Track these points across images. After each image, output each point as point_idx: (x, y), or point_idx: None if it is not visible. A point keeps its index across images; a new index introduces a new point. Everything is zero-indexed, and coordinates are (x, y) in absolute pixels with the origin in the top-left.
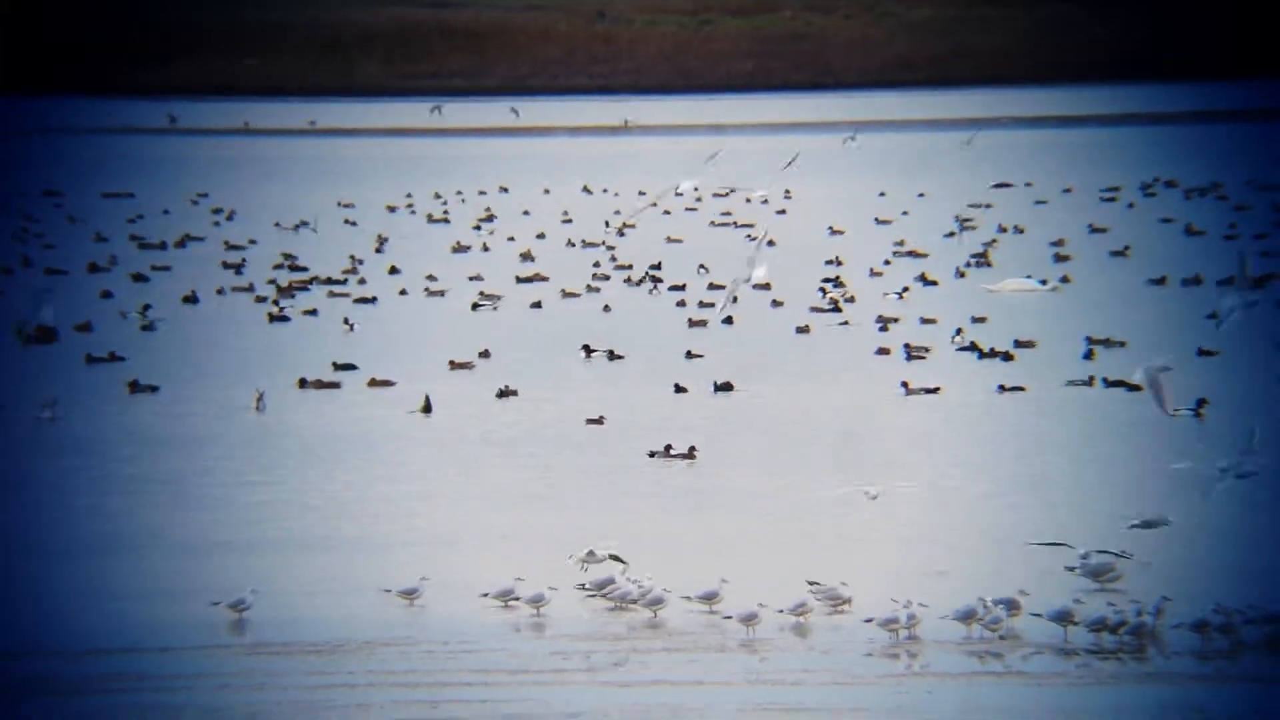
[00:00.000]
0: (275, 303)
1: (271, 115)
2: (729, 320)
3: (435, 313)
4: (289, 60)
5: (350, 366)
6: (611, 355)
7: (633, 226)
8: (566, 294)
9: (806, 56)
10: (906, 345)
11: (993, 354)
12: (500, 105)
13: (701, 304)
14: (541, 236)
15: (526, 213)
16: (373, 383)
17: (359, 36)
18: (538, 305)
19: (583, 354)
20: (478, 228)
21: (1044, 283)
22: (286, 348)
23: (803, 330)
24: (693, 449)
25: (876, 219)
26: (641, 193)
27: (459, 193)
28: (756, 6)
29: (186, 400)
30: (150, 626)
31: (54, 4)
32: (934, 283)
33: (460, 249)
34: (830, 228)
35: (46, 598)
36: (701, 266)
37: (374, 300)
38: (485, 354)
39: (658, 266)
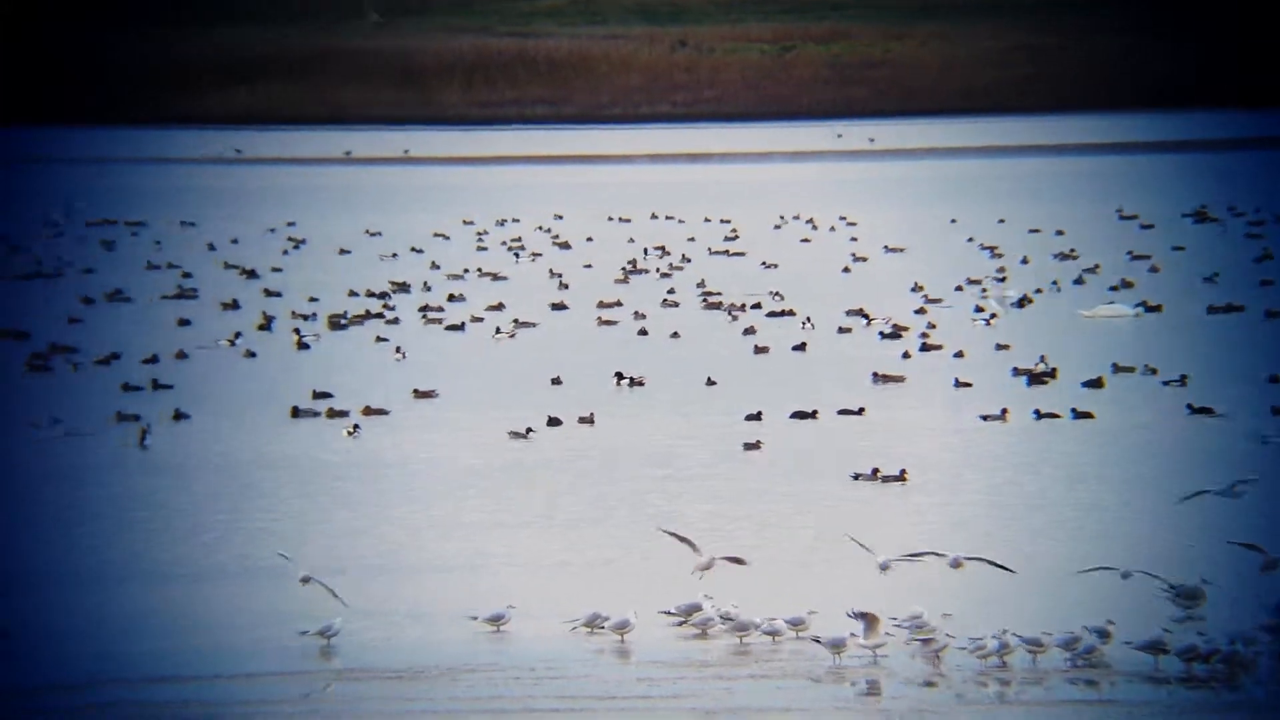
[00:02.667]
0: (297, 332)
1: (365, 143)
2: (801, 347)
3: (490, 340)
4: (370, 89)
5: (327, 394)
6: (633, 382)
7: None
8: (602, 321)
9: (887, 83)
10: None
11: (1040, 380)
12: (582, 134)
13: (749, 331)
14: (633, 265)
15: (589, 239)
16: (367, 411)
17: (440, 65)
18: (625, 331)
19: (615, 381)
20: (528, 255)
21: (1137, 308)
22: (352, 373)
23: (907, 357)
24: (904, 472)
25: (911, 245)
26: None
27: (513, 220)
28: (836, 34)
29: (249, 428)
30: (238, 652)
31: (134, 34)
32: (1023, 304)
33: (497, 277)
34: (851, 256)
35: (134, 625)
36: (776, 294)
37: (462, 328)
38: (558, 381)
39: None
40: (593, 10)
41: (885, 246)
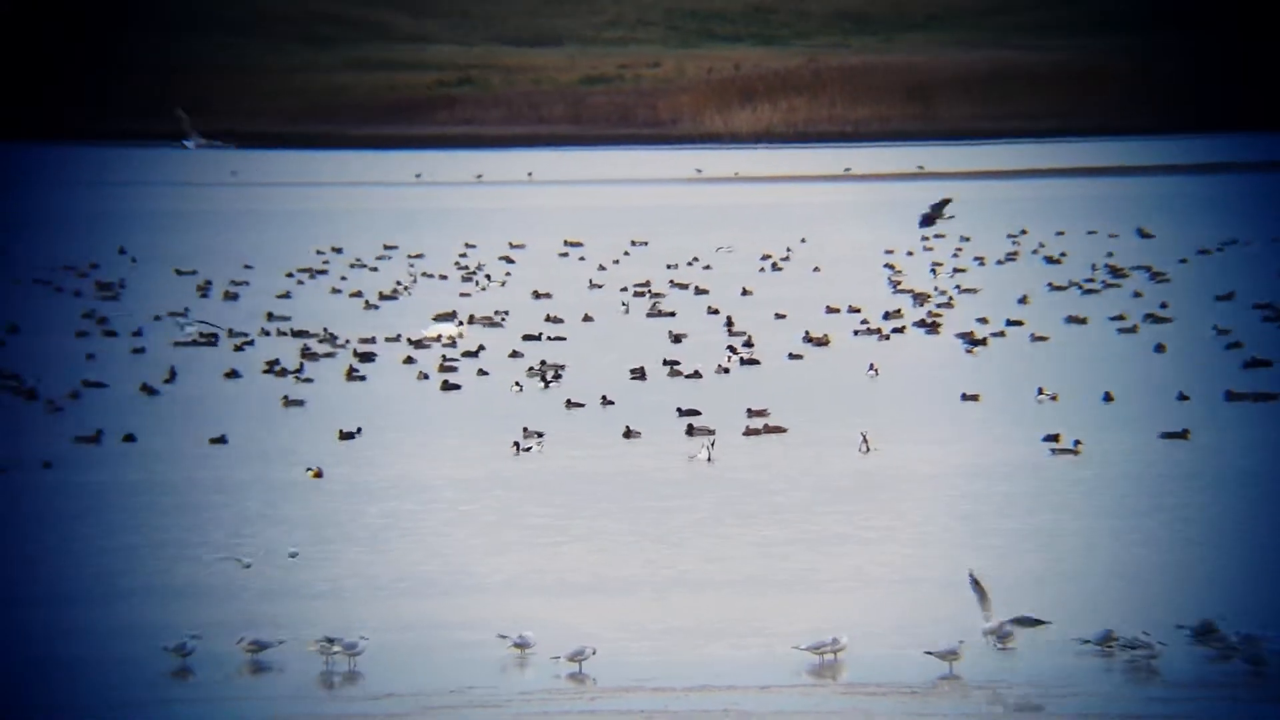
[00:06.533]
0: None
1: (868, 160)
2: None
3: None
4: (879, 104)
5: (694, 411)
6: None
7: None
8: (1037, 337)
9: None
10: None
11: None
12: (1085, 147)
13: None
14: (1092, 280)
15: (1064, 254)
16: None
17: (951, 79)
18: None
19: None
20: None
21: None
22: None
23: None
24: None
25: None
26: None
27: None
28: None
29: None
30: (736, 663)
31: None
32: None
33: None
34: None
35: (637, 630)
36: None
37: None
38: (974, 398)
39: None
40: (1104, 18)
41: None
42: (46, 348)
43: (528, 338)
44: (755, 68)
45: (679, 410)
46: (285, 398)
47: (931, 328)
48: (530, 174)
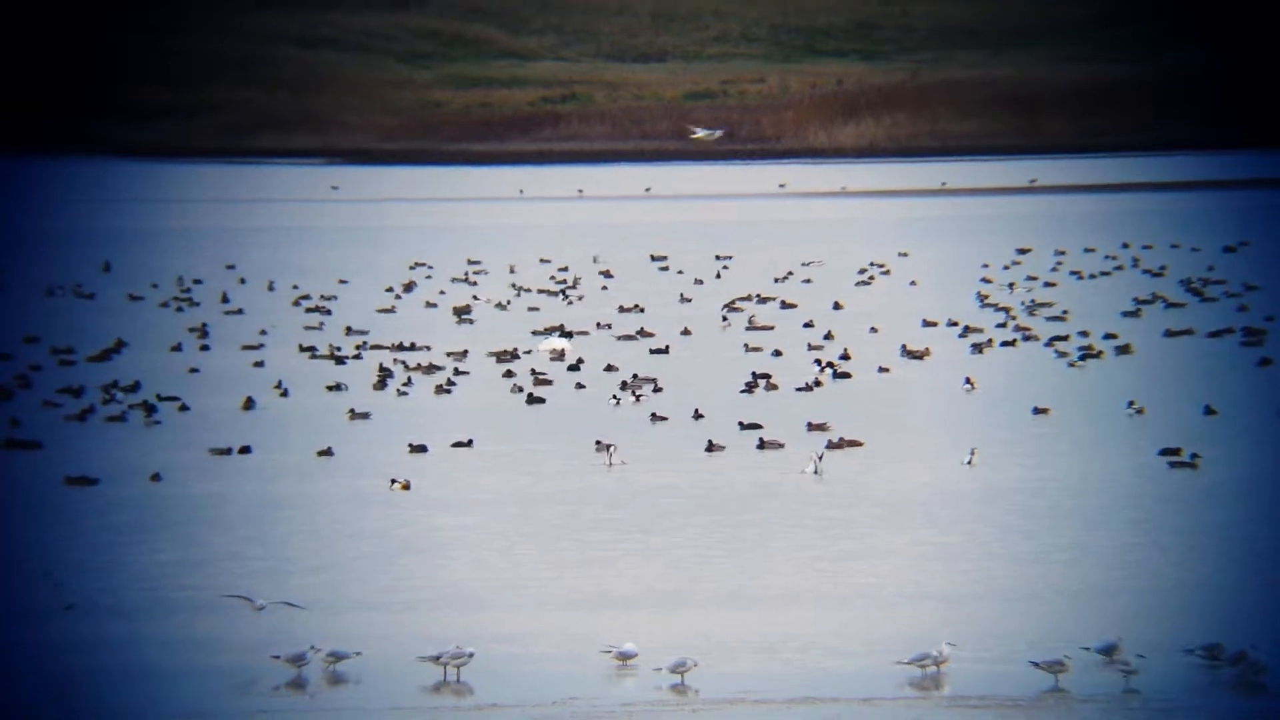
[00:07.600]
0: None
1: (960, 174)
2: None
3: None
4: (978, 117)
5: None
6: (1209, 410)
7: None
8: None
9: None
10: None
11: None
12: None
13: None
14: (1194, 292)
15: (1164, 266)
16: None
17: (1054, 93)
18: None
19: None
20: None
21: None
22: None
23: None
24: None
25: None
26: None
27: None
28: None
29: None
30: (833, 675)
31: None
32: None
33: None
34: None
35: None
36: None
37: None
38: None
39: None
40: (1210, 30)
41: None
42: (153, 362)
43: (655, 352)
44: (859, 83)
45: (740, 424)
46: (351, 411)
47: (1030, 341)
48: (649, 189)
